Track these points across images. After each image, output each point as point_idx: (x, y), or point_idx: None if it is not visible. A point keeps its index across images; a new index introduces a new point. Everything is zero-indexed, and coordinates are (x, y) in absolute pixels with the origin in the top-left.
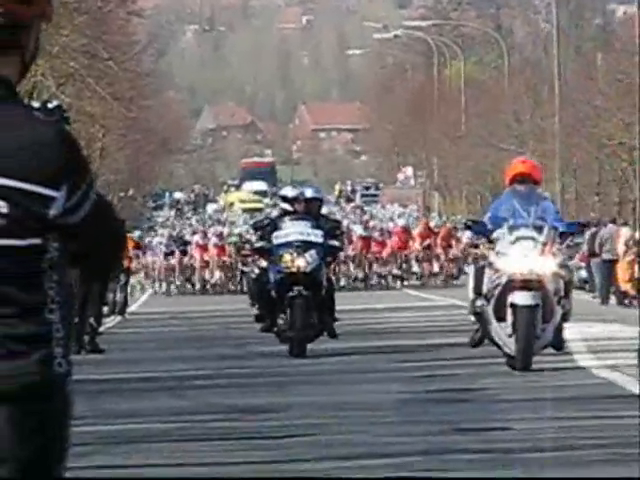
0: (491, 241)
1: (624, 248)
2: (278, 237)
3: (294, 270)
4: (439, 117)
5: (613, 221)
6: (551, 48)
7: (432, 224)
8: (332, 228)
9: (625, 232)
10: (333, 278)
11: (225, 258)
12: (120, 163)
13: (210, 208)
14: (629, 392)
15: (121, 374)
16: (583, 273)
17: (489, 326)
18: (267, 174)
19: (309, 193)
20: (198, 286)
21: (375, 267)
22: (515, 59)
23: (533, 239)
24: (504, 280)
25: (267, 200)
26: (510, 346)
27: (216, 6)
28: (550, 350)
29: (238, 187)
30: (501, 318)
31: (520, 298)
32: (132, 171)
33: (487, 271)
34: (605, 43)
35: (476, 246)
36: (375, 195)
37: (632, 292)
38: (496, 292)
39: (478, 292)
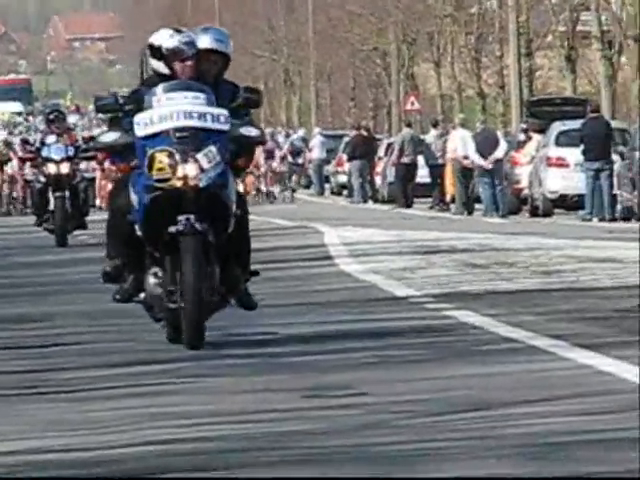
0: None
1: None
2: (143, 122)
3: (177, 184)
4: (193, 25)
5: (435, 125)
6: None
7: None
8: (247, 102)
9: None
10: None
11: None
12: None
13: None
14: (392, 294)
15: None
16: (342, 178)
17: None
18: (22, 92)
19: (204, 42)
20: None
21: None
22: None
23: None
24: None
25: (21, 119)
26: None
27: None
28: (314, 254)
29: None
30: None
31: None
32: None
33: None
34: None
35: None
36: None
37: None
38: None
39: None
